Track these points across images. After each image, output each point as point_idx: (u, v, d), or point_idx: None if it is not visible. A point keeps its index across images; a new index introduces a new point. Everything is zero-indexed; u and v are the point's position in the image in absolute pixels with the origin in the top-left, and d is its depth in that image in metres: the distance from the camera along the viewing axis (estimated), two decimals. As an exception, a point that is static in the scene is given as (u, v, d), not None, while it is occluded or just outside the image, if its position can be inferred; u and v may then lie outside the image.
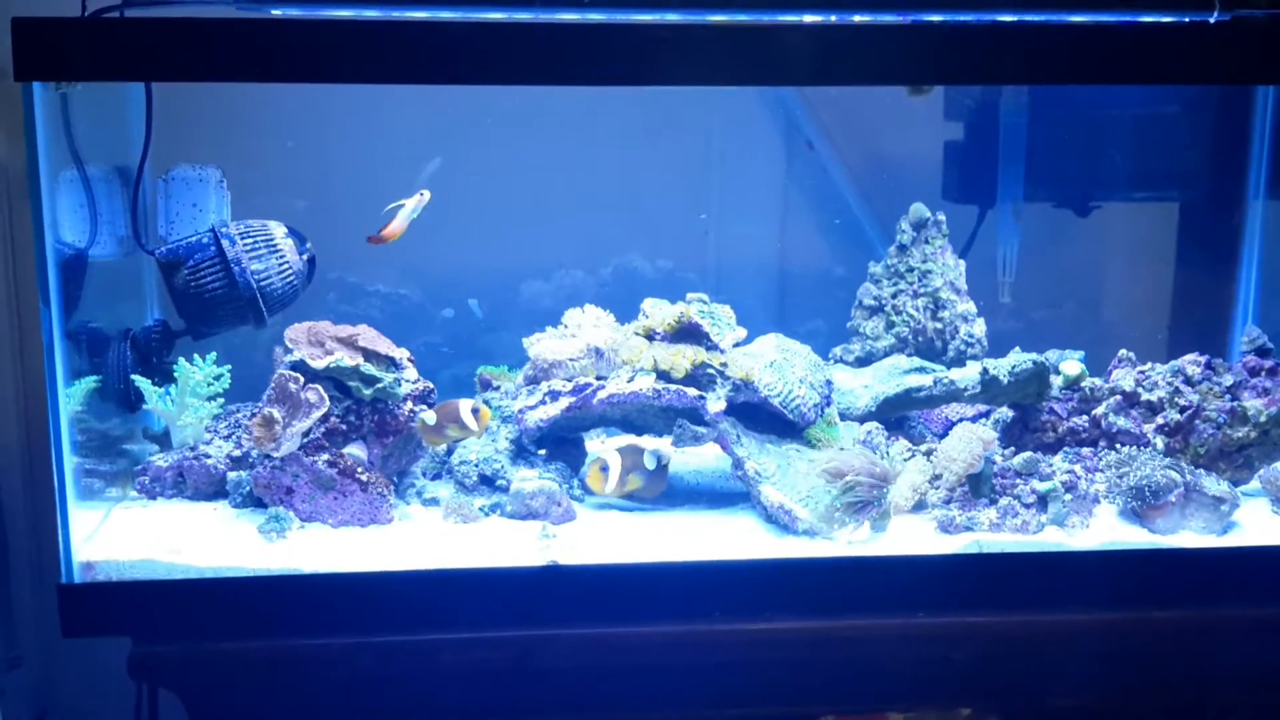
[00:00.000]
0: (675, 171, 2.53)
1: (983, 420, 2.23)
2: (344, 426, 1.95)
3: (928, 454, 2.07)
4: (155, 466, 2.01)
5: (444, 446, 2.10)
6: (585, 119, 2.38)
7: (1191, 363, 2.14)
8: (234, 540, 1.86)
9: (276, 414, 1.90)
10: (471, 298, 2.44)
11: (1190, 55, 1.85)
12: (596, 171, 2.46)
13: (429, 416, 1.93)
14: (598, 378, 2.05)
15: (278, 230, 2.08)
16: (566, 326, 2.16)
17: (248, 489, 1.95)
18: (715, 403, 1.98)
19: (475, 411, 1.93)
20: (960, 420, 2.22)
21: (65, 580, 1.79)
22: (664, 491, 2.03)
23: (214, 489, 2.01)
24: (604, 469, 1.93)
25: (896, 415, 2.23)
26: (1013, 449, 2.09)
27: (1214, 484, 1.97)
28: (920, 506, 2.00)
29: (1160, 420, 2.11)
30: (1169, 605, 1.90)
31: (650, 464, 1.96)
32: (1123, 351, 2.22)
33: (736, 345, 2.12)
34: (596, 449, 2.18)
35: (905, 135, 2.50)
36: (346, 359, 1.94)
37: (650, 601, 1.84)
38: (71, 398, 1.84)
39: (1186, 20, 1.89)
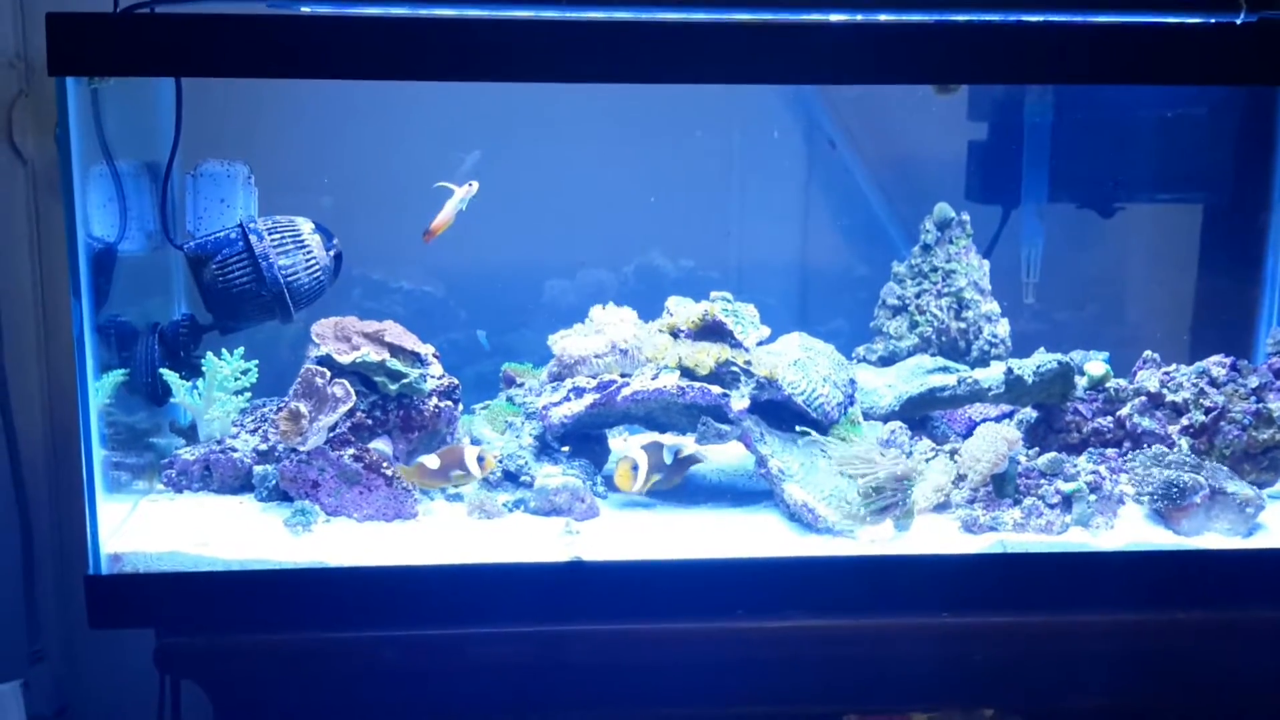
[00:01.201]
0: (697, 171, 2.54)
1: (1006, 421, 2.23)
2: (370, 421, 1.96)
3: (951, 454, 2.07)
4: (182, 460, 2.03)
5: (467, 442, 2.11)
6: (608, 118, 2.38)
7: (1217, 364, 2.14)
8: (260, 533, 1.87)
9: (303, 408, 1.91)
10: (480, 329, 2.45)
11: (1216, 56, 1.84)
12: (619, 170, 2.47)
13: (431, 461, 1.91)
14: (622, 375, 2.06)
15: (305, 226, 2.09)
16: (593, 321, 2.17)
17: (274, 482, 1.96)
18: (739, 400, 1.98)
19: (480, 460, 1.91)
20: (984, 420, 2.22)
21: (93, 571, 1.80)
22: (682, 485, 2.04)
23: (240, 482, 2.02)
24: (635, 468, 1.92)
25: (920, 415, 2.23)
26: (1037, 449, 2.09)
27: (1239, 486, 1.97)
28: (944, 506, 2.00)
29: (1185, 421, 2.10)
30: (1193, 606, 1.89)
31: (668, 459, 1.97)
32: (1148, 353, 2.21)
33: (760, 344, 2.12)
34: (619, 447, 2.19)
35: (928, 135, 2.50)
36: (373, 354, 1.95)
37: (673, 598, 1.84)
38: (100, 391, 1.86)
39: (1213, 21, 1.89)
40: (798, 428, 2.00)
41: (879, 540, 1.90)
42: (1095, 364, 2.20)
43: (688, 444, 2.01)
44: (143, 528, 1.88)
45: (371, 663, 1.81)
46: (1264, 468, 2.08)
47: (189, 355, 2.11)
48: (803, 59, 1.79)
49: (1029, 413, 2.22)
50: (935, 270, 2.36)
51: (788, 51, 1.78)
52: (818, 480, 1.96)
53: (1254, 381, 2.11)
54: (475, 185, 2.07)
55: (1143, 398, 2.14)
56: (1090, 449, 2.13)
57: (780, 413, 2.04)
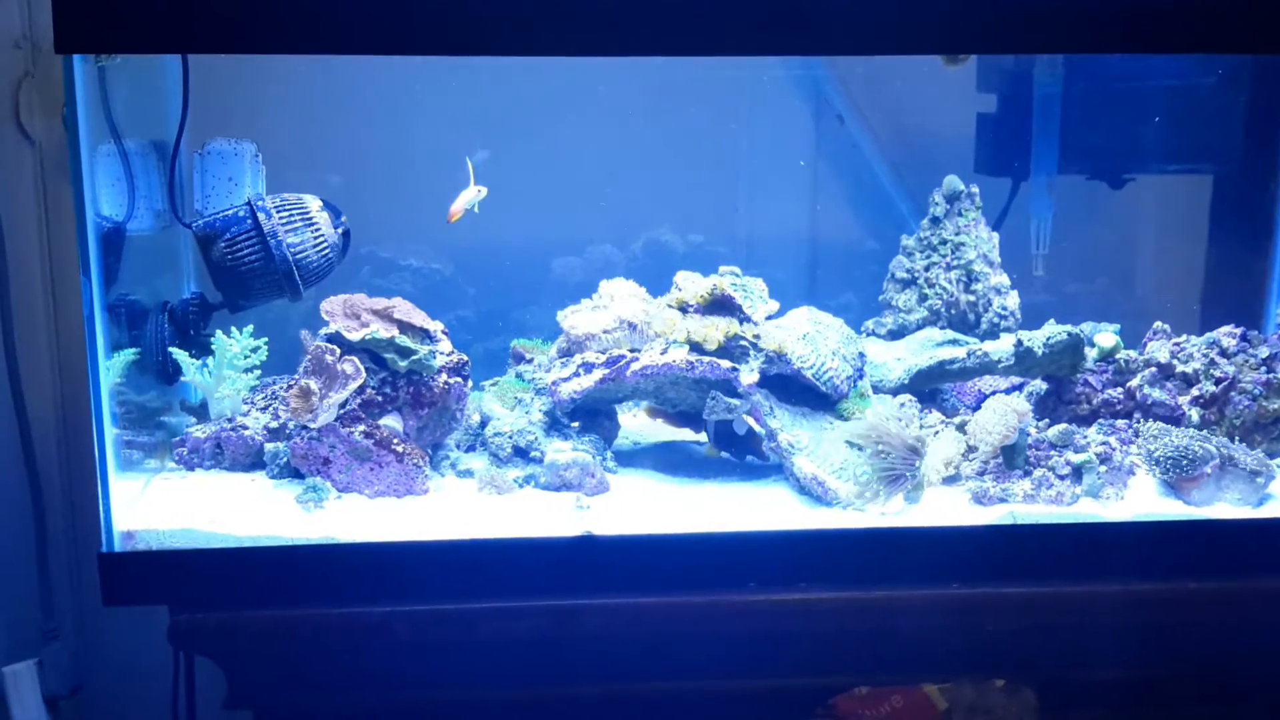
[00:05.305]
0: (706, 146, 2.53)
1: (1016, 393, 2.23)
2: (380, 398, 1.96)
3: (961, 426, 2.07)
4: (193, 438, 2.03)
5: (477, 418, 2.12)
6: (616, 94, 2.38)
7: (1227, 335, 2.13)
8: (272, 510, 1.88)
9: (313, 385, 1.91)
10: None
11: (1228, 24, 1.83)
12: (627, 147, 2.46)
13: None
14: (631, 350, 2.06)
15: (313, 204, 2.09)
16: (601, 294, 2.17)
17: (285, 460, 1.96)
18: (748, 375, 1.98)
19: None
20: (994, 393, 2.22)
21: (106, 549, 1.81)
22: (690, 458, 2.04)
23: (252, 460, 2.02)
24: None
25: (929, 388, 2.23)
26: (1047, 421, 2.09)
27: (1249, 456, 1.96)
28: (954, 479, 2.00)
29: (1195, 392, 2.10)
30: (1204, 577, 1.89)
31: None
32: (1158, 323, 2.21)
33: (769, 318, 2.12)
34: (631, 423, 2.20)
35: (937, 108, 2.49)
36: (382, 331, 1.95)
37: (684, 572, 1.85)
38: (110, 370, 1.86)
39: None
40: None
41: (889, 512, 1.90)
42: (1105, 335, 2.20)
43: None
44: (155, 505, 1.89)
45: (384, 638, 1.82)
46: (1275, 438, 2.08)
47: (199, 333, 2.11)
48: (809, 29, 1.78)
49: (1039, 385, 2.22)
50: (944, 243, 2.35)
51: (794, 22, 1.77)
52: (827, 453, 1.96)
53: (1264, 352, 2.10)
54: (484, 191, 2.15)
55: (1153, 369, 2.14)
56: (1100, 420, 2.12)
57: (789, 386, 2.04)
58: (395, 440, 1.93)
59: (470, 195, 2.14)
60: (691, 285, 2.11)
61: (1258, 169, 2.45)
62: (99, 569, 1.80)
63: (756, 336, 2.02)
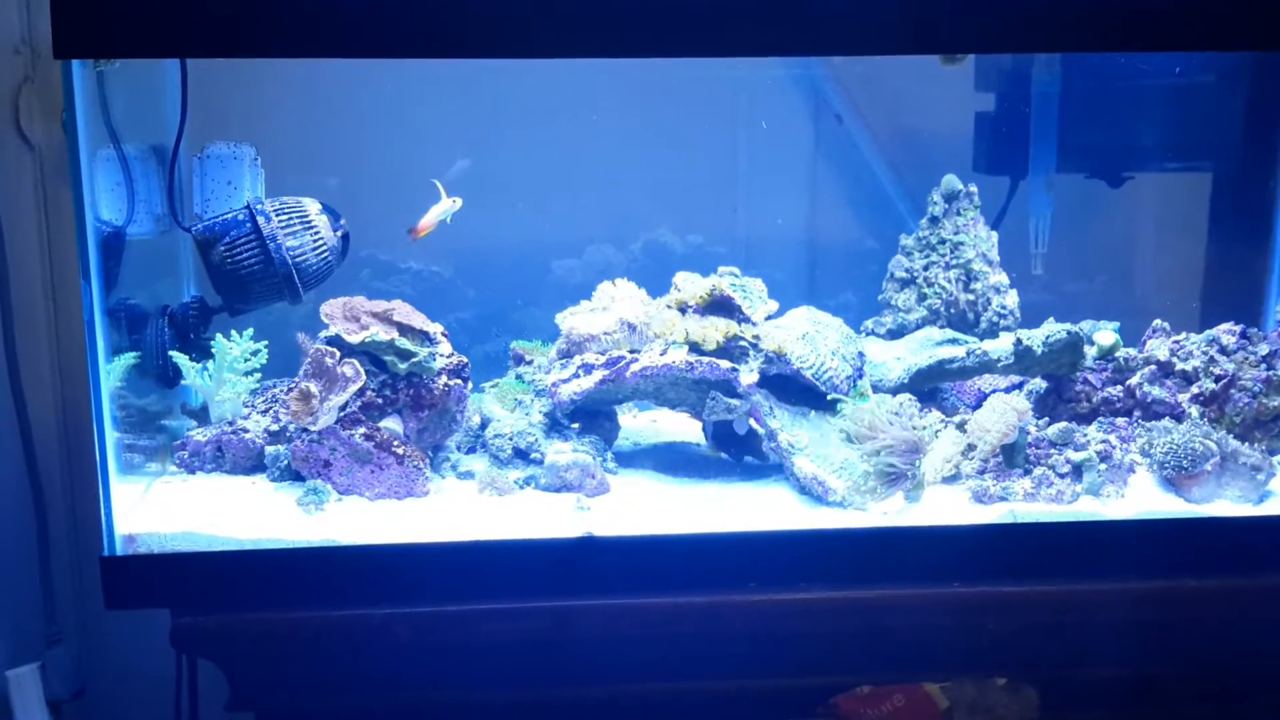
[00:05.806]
0: (704, 147, 2.53)
1: (1016, 391, 2.23)
2: (380, 400, 1.97)
3: (960, 425, 2.07)
4: (194, 441, 2.03)
5: (477, 420, 2.13)
6: (614, 95, 2.38)
7: (1227, 332, 2.13)
8: (273, 513, 1.88)
9: (314, 388, 1.92)
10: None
11: (1229, 22, 1.83)
12: (625, 147, 2.46)
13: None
14: (630, 351, 2.06)
15: (312, 207, 2.09)
16: (600, 297, 2.17)
17: (286, 462, 1.97)
18: (748, 375, 1.98)
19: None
20: (993, 391, 2.22)
21: (107, 552, 1.81)
22: (691, 458, 2.03)
23: (252, 463, 2.02)
24: None
25: (929, 387, 2.23)
26: (1047, 419, 2.09)
27: (1250, 453, 1.96)
28: (954, 478, 2.00)
29: (1195, 389, 2.10)
30: (1204, 574, 1.89)
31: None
32: (1157, 321, 2.21)
33: (768, 318, 2.12)
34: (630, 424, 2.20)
35: (935, 107, 2.49)
36: (382, 333, 1.96)
37: (685, 572, 1.85)
38: (111, 374, 1.87)
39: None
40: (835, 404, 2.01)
41: (890, 512, 1.90)
42: (1105, 333, 2.20)
43: None
44: (156, 509, 1.89)
45: (385, 640, 1.82)
46: (1275, 435, 2.08)
47: (199, 337, 2.12)
48: (809, 29, 1.78)
49: (1039, 383, 2.22)
50: (943, 242, 2.35)
51: (794, 22, 1.77)
52: (828, 453, 1.96)
53: (1264, 349, 2.10)
54: (459, 202, 2.14)
55: (1152, 366, 2.14)
56: (1100, 418, 2.13)
57: (789, 386, 2.04)
58: (396, 442, 1.94)
59: (444, 207, 2.14)
60: (690, 286, 2.11)
61: (1257, 167, 2.45)
62: (101, 572, 1.81)
63: (756, 337, 2.02)
